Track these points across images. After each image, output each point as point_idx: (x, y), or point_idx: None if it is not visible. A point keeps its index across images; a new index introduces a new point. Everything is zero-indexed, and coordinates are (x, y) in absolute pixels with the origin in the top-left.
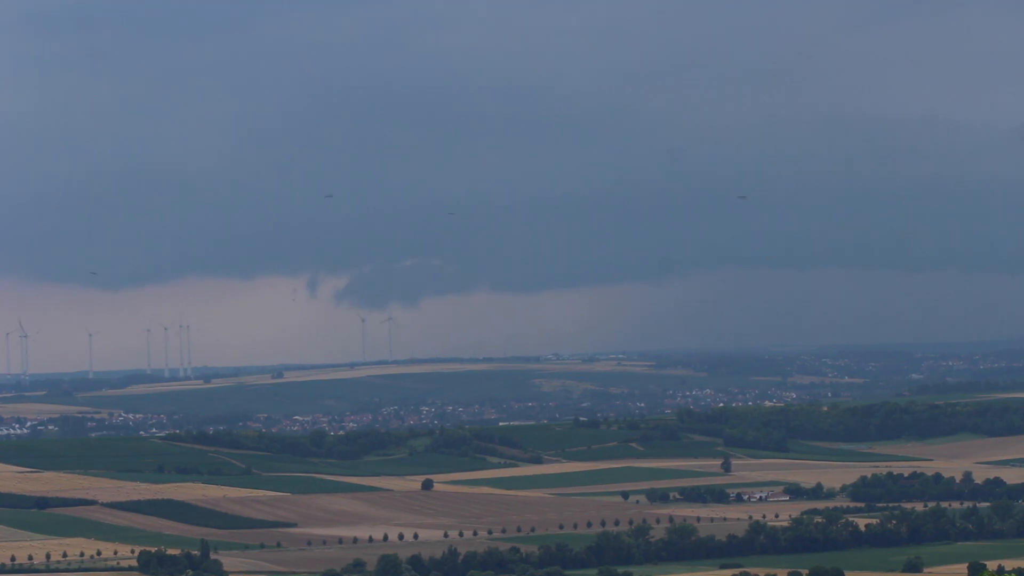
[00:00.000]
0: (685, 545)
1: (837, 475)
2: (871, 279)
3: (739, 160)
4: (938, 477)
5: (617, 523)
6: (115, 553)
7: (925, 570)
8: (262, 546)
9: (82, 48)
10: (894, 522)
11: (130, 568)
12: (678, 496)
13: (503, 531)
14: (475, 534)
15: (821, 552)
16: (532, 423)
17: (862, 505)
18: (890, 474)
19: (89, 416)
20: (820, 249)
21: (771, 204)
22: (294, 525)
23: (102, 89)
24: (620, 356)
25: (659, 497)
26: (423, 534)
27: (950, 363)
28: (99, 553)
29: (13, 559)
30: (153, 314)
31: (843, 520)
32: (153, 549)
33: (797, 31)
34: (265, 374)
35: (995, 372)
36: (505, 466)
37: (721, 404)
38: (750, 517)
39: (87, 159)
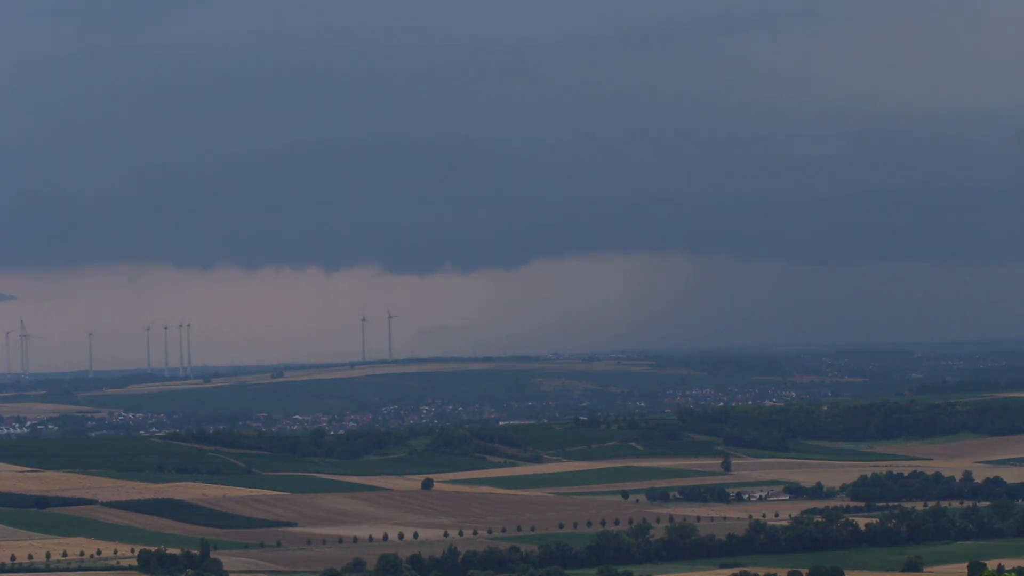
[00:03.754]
0: (685, 544)
1: (837, 474)
2: (871, 278)
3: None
4: (938, 476)
5: (617, 522)
6: (115, 552)
7: (925, 569)
8: (262, 545)
9: None
10: (894, 521)
11: (130, 567)
12: (678, 495)
13: (503, 530)
14: (475, 533)
15: (821, 551)
16: (532, 422)
17: (862, 504)
18: (890, 473)
19: (89, 415)
20: (820, 248)
21: (768, 207)
22: (294, 524)
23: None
24: (620, 355)
25: (659, 496)
26: (423, 533)
27: (950, 362)
28: (99, 552)
29: (13, 558)
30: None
31: (843, 519)
32: (153, 548)
33: None
34: (265, 373)
35: (995, 371)
36: (505, 465)
37: (721, 403)
38: (750, 516)
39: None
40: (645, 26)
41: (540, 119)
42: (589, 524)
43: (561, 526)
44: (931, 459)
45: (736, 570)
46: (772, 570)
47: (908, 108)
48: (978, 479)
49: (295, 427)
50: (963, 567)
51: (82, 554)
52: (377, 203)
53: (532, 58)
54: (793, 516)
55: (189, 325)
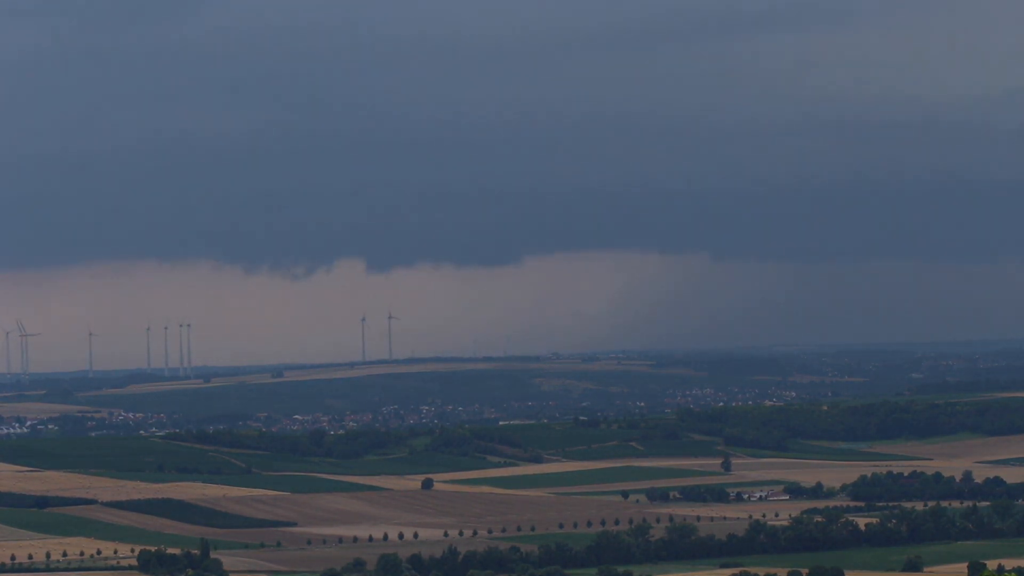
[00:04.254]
0: (685, 544)
1: (837, 474)
2: (871, 277)
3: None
4: (938, 476)
5: (617, 522)
6: (115, 552)
7: (925, 569)
8: (262, 545)
9: None
10: (894, 521)
11: (130, 567)
12: (678, 495)
13: (503, 530)
14: (475, 533)
15: (821, 551)
16: (532, 422)
17: (862, 504)
18: (890, 473)
19: (89, 415)
20: (819, 246)
21: (767, 204)
22: (294, 524)
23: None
24: (620, 355)
25: (659, 496)
26: (423, 533)
27: (950, 362)
28: (99, 552)
29: (13, 558)
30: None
31: (843, 519)
32: (153, 548)
33: None
34: (265, 373)
35: (995, 371)
36: (505, 465)
37: (721, 403)
38: (750, 516)
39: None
40: (628, 18)
41: (534, 114)
42: (589, 524)
43: (561, 526)
44: (931, 459)
45: (736, 570)
46: (772, 570)
47: (911, 99)
48: (978, 479)
49: (295, 427)
50: (963, 567)
51: (82, 554)
52: (365, 200)
53: (517, 50)
54: (793, 516)
55: (189, 325)
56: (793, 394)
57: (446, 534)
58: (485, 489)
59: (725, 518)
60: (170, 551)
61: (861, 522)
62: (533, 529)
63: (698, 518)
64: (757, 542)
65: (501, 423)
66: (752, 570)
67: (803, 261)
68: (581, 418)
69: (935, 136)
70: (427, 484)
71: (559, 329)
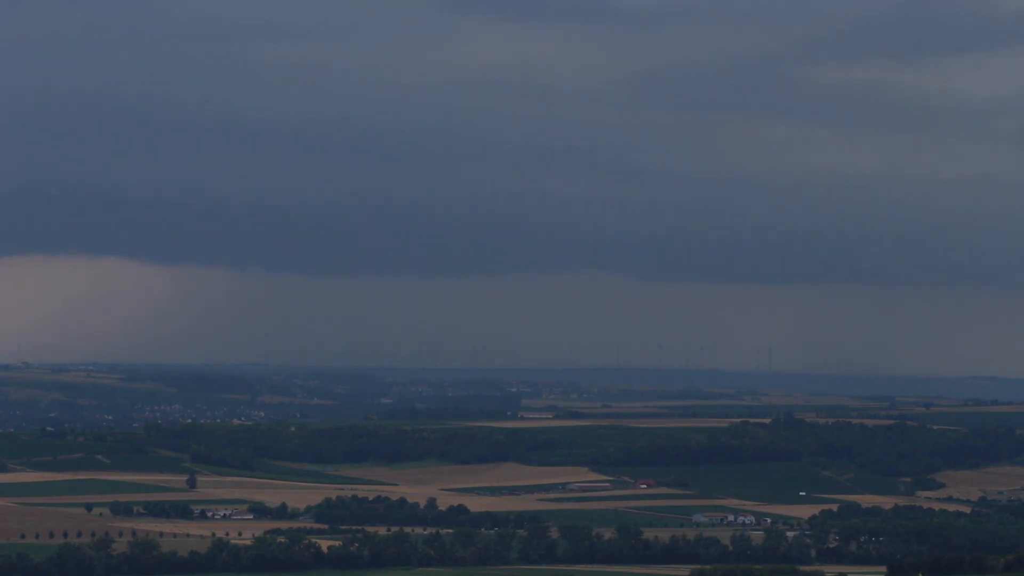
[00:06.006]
0: (148, 560)
1: (302, 496)
2: (342, 295)
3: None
4: (403, 502)
5: (79, 535)
6: None
7: None
8: None
9: None
10: (356, 544)
11: None
12: (142, 510)
13: None
14: None
15: (284, 572)
16: None
17: (326, 527)
18: (355, 497)
19: None
20: (285, 259)
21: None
22: None
23: None
24: (90, 367)
25: (123, 511)
26: None
27: (420, 389)
28: None
29: None
30: None
31: (306, 541)
32: None
33: None
34: None
35: (463, 400)
36: None
37: (190, 420)
38: (213, 534)
39: None
40: None
41: None
42: (51, 536)
43: (23, 536)
44: (397, 484)
45: None
46: None
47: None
48: (442, 506)
49: None
50: None
51: None
52: None
53: None
54: (256, 536)
55: None
56: (262, 414)
57: None
58: None
59: (188, 535)
60: None
61: (324, 544)
62: None
63: (160, 534)
64: (219, 560)
65: None
66: None
67: (269, 272)
68: (48, 428)
69: None
70: None
71: (30, 336)
